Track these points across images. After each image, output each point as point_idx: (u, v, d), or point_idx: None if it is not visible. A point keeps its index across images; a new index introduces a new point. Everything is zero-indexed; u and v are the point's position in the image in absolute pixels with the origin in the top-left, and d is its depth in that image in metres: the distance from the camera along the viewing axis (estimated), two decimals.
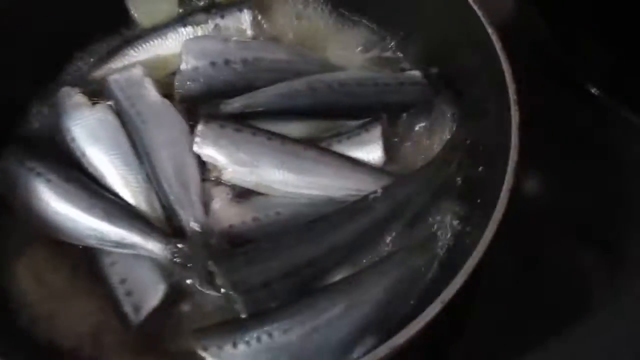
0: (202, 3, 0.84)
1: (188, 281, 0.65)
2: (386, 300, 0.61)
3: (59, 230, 0.67)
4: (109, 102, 0.74)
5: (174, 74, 0.76)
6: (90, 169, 0.71)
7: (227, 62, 0.74)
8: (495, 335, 0.75)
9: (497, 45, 0.63)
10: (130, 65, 0.78)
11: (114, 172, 0.70)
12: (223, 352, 0.58)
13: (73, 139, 0.72)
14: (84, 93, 0.75)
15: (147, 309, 0.63)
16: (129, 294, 0.64)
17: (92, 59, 0.82)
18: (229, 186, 0.69)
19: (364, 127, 0.72)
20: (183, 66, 0.74)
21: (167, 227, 0.68)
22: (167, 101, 0.73)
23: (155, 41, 0.81)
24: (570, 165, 0.85)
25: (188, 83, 0.74)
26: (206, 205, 0.68)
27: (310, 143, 0.71)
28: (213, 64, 0.74)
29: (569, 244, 0.82)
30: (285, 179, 0.68)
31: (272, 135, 0.70)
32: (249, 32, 0.80)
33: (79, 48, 0.82)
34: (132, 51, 0.81)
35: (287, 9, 0.83)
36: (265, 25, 0.82)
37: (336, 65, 0.78)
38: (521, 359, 0.74)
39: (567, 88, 0.88)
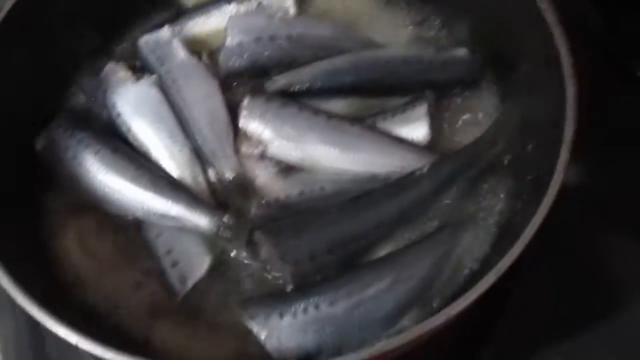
0: None
1: (232, 254, 0.65)
2: (433, 276, 0.61)
3: (107, 201, 0.68)
4: (153, 76, 0.75)
5: (215, 51, 0.77)
6: (136, 143, 0.72)
7: (271, 38, 0.75)
8: (528, 324, 0.74)
9: (551, 19, 0.61)
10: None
11: (160, 146, 0.71)
12: (269, 322, 0.59)
13: (119, 114, 0.73)
14: (129, 68, 0.76)
15: (193, 279, 0.64)
16: (174, 264, 0.65)
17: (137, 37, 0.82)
18: (274, 161, 0.69)
19: (410, 105, 0.72)
20: (228, 41, 0.74)
21: (212, 200, 0.68)
22: (195, 59, 0.75)
23: (200, 18, 0.81)
24: (614, 151, 0.83)
25: (233, 58, 0.74)
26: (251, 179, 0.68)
27: (356, 120, 0.71)
28: (258, 39, 0.74)
29: (609, 233, 0.80)
30: (330, 155, 0.68)
31: (317, 111, 0.70)
32: (292, 10, 0.80)
33: (126, 25, 0.82)
34: (176, 28, 0.81)
35: None
36: (308, 3, 0.81)
37: (380, 43, 0.78)
38: (554, 349, 0.72)
39: (613, 70, 0.86)
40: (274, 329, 0.58)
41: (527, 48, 0.67)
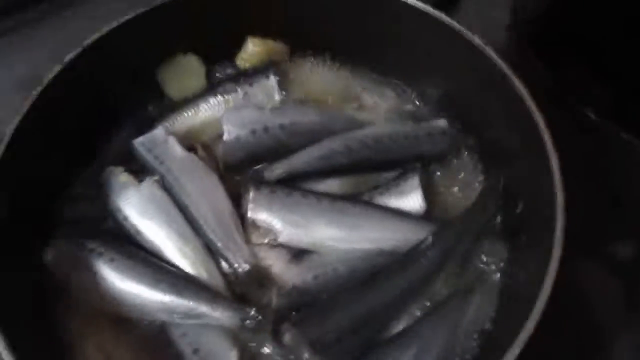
0: (229, 71, 0.87)
1: (261, 348, 0.67)
2: (452, 341, 0.65)
3: (127, 308, 0.69)
4: (156, 177, 0.77)
5: (209, 143, 0.81)
6: (147, 245, 0.73)
7: (265, 129, 0.79)
8: None
9: (522, 90, 0.68)
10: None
11: (171, 246, 0.73)
12: None
13: (125, 218, 0.74)
14: (127, 171, 0.78)
15: None
16: None
17: (126, 135, 0.85)
18: (285, 248, 0.72)
19: (402, 178, 0.77)
20: (226, 136, 0.78)
21: (229, 293, 0.71)
22: (193, 155, 0.78)
23: (189, 113, 0.85)
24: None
25: (232, 152, 0.78)
26: (266, 269, 0.71)
27: (356, 199, 0.75)
28: (253, 132, 0.78)
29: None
30: (337, 237, 0.72)
31: (320, 195, 0.74)
32: (277, 97, 0.85)
33: (114, 125, 0.84)
34: (166, 124, 0.84)
35: (305, 72, 0.88)
36: (289, 90, 0.86)
37: (364, 120, 0.83)
38: None
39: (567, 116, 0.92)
40: None
41: (500, 116, 0.73)
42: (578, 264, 0.81)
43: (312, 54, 0.87)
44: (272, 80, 0.84)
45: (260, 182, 0.75)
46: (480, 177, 0.79)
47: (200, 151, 0.80)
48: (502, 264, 0.71)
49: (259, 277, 0.71)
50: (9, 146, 0.68)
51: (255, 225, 0.73)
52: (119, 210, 0.75)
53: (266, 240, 0.72)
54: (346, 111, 0.85)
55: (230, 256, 0.71)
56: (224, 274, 0.72)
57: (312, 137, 0.80)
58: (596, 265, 0.84)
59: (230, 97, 0.84)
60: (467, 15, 0.98)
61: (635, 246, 0.88)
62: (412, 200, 0.75)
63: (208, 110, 0.84)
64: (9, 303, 0.64)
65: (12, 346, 0.58)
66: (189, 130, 0.84)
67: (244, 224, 0.73)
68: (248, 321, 0.66)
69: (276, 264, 0.71)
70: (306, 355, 0.63)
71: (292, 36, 0.85)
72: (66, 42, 0.74)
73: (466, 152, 0.81)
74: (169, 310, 0.68)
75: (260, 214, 0.72)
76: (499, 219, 0.73)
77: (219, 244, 0.72)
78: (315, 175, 0.78)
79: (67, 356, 0.69)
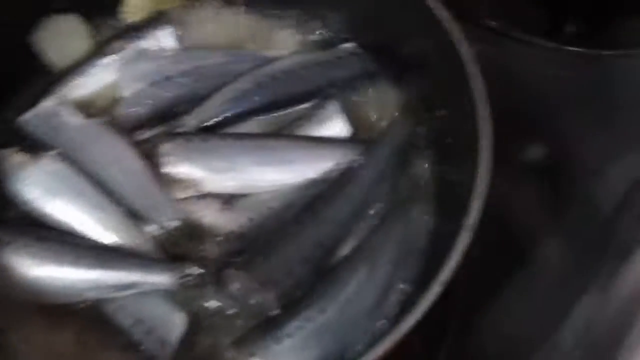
0: (117, 28, 0.80)
1: (206, 303, 0.63)
2: (402, 254, 0.64)
3: (52, 294, 0.62)
4: (54, 150, 0.69)
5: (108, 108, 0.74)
6: (57, 225, 0.66)
7: (167, 78, 0.73)
8: None
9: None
10: None
11: (87, 219, 0.66)
12: (269, 351, 0.58)
13: (26, 202, 0.67)
14: (22, 150, 0.70)
15: (173, 340, 0.61)
16: (149, 332, 0.61)
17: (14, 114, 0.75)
18: (215, 196, 0.68)
19: (321, 105, 0.74)
20: (124, 93, 0.71)
21: (163, 254, 0.66)
22: (91, 120, 0.71)
23: (78, 80, 0.77)
24: None
25: (133, 109, 0.72)
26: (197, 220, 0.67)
27: (278, 134, 0.72)
28: (153, 83, 0.73)
29: None
30: (265, 174, 0.69)
31: (239, 135, 0.70)
32: (174, 46, 0.78)
33: None
34: (54, 95, 0.76)
35: (204, 16, 0.82)
36: (186, 39, 0.80)
37: (271, 57, 0.79)
38: None
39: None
40: (277, 356, 0.58)
41: (411, 34, 0.72)
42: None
43: None
44: (166, 29, 0.78)
45: (173, 134, 0.69)
46: (397, 96, 0.77)
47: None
48: (432, 170, 0.71)
49: (192, 231, 0.66)
50: None
51: (176, 178, 0.67)
52: (17, 194, 0.67)
53: (191, 192, 0.68)
54: (252, 50, 0.80)
55: (155, 216, 0.66)
56: (154, 237, 0.66)
57: (220, 80, 0.75)
58: (510, 171, 0.87)
59: (121, 55, 0.77)
60: None
61: (544, 149, 0.91)
62: (335, 125, 0.73)
63: (99, 74, 0.77)
64: None
65: None
66: (81, 98, 0.76)
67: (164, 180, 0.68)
68: (188, 278, 0.62)
69: (207, 213, 0.67)
70: (258, 296, 0.60)
71: None
72: None
73: (379, 73, 0.79)
74: (98, 286, 0.63)
75: (178, 166, 0.67)
76: (423, 129, 0.73)
77: (142, 206, 0.67)
78: (232, 120, 0.73)
79: None
